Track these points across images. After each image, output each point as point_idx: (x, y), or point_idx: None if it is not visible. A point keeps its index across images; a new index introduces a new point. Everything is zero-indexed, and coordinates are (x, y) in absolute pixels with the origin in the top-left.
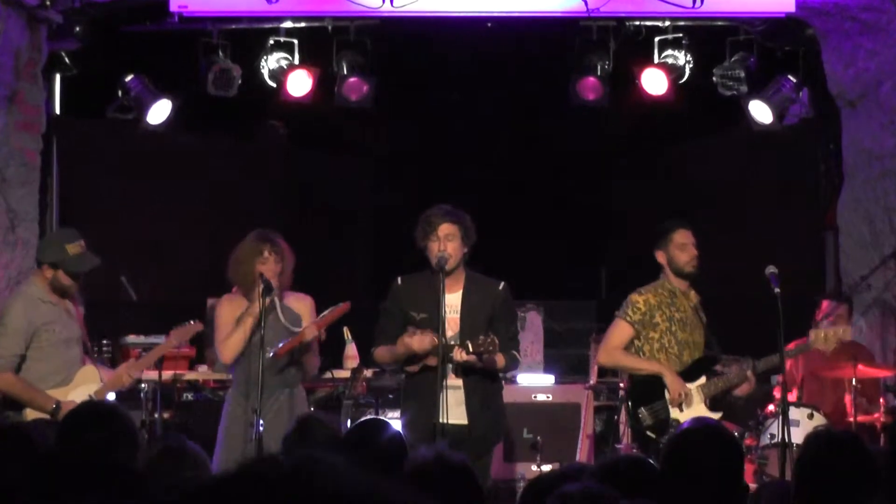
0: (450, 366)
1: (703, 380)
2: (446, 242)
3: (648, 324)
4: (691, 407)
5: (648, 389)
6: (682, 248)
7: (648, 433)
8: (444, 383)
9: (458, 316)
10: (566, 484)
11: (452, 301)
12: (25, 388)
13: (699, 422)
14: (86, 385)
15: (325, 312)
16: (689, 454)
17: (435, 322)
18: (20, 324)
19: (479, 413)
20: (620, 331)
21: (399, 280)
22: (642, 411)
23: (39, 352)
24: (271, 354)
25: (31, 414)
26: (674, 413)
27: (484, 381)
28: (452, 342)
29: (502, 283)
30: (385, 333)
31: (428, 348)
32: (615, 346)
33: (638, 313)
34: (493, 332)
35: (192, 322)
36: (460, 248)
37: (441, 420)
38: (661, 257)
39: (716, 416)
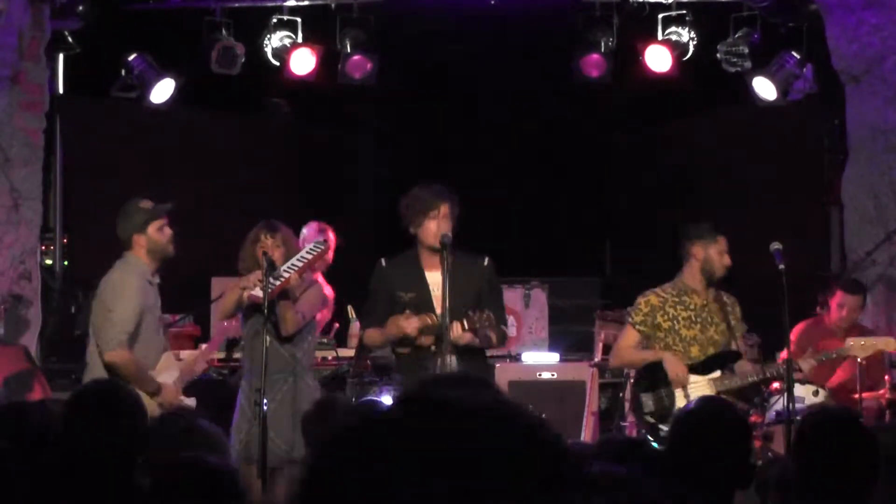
0: (437, 347)
1: (717, 374)
2: (444, 222)
3: (652, 325)
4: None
5: (653, 377)
6: (722, 254)
7: (648, 418)
8: (446, 360)
9: (446, 294)
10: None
11: (437, 279)
12: (138, 365)
13: (706, 401)
14: (168, 371)
15: (304, 253)
16: (696, 433)
17: (423, 301)
18: (137, 301)
19: None
20: (627, 334)
21: (383, 262)
22: (645, 397)
23: (142, 333)
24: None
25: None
26: (680, 401)
27: (476, 359)
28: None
29: (486, 259)
30: (373, 315)
31: (419, 328)
32: (621, 345)
33: (640, 315)
34: (482, 307)
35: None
36: (449, 230)
37: None
38: (698, 252)
39: None
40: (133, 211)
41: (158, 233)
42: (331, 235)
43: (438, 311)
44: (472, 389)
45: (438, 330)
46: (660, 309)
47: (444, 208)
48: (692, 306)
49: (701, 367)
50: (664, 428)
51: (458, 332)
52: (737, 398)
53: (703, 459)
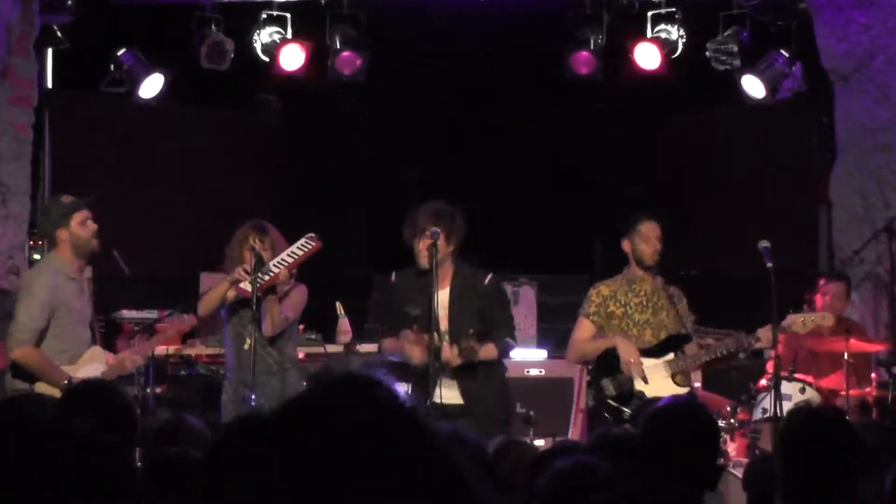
0: (440, 364)
1: (671, 356)
2: (427, 242)
3: (605, 314)
4: (657, 381)
5: (611, 363)
6: (646, 240)
7: (611, 402)
8: (439, 380)
9: (447, 313)
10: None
11: (441, 298)
12: (45, 362)
13: (677, 399)
14: (92, 365)
15: (295, 249)
16: (666, 432)
17: (428, 316)
18: (44, 299)
19: (475, 394)
20: (580, 326)
21: (393, 276)
22: (605, 382)
23: (57, 328)
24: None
25: (41, 387)
26: (638, 385)
27: (478, 369)
28: (445, 339)
29: (489, 276)
30: (386, 325)
31: (421, 361)
32: (576, 339)
33: (592, 305)
34: (486, 323)
35: (188, 315)
36: (444, 247)
37: (436, 400)
38: (626, 246)
39: (682, 391)
40: (53, 207)
41: (81, 227)
42: None
43: (443, 327)
44: (371, 396)
45: (436, 351)
46: (611, 298)
47: (428, 231)
48: (642, 292)
49: (655, 351)
50: (627, 410)
51: (450, 355)
52: (685, 383)
53: (670, 459)
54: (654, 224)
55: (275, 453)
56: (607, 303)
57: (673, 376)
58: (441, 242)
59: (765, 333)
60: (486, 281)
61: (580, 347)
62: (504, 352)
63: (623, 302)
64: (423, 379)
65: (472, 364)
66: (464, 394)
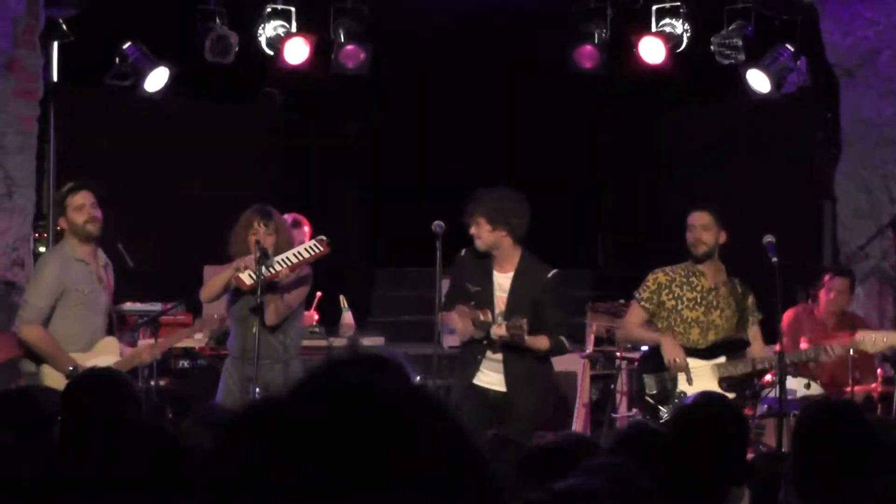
0: (488, 341)
1: (722, 359)
2: (478, 229)
3: (657, 302)
4: (702, 383)
5: (659, 359)
6: (689, 229)
7: (648, 399)
8: (490, 354)
9: (506, 296)
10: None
11: (503, 281)
12: (50, 343)
13: (706, 396)
14: (105, 356)
15: (302, 249)
16: (694, 428)
17: (486, 297)
18: (52, 278)
19: (520, 384)
20: (633, 310)
21: (463, 252)
22: (647, 378)
23: (66, 311)
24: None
25: (47, 370)
26: (682, 385)
27: (526, 358)
28: (500, 318)
29: (553, 271)
30: (450, 299)
31: (468, 334)
32: (628, 321)
33: (647, 291)
34: (539, 316)
35: (216, 316)
36: (489, 233)
37: (476, 382)
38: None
39: (729, 395)
40: (56, 197)
41: (76, 212)
42: (306, 229)
43: (497, 310)
44: (382, 374)
45: (485, 326)
46: (666, 287)
47: (478, 218)
48: (699, 288)
49: (705, 352)
50: (664, 410)
51: (497, 332)
52: (732, 389)
53: (699, 455)
54: (697, 213)
55: (292, 438)
56: (661, 291)
57: (719, 381)
58: (485, 228)
59: (825, 353)
60: (550, 275)
61: (628, 330)
62: (556, 349)
63: (677, 294)
64: (470, 359)
65: (521, 351)
66: (508, 382)
